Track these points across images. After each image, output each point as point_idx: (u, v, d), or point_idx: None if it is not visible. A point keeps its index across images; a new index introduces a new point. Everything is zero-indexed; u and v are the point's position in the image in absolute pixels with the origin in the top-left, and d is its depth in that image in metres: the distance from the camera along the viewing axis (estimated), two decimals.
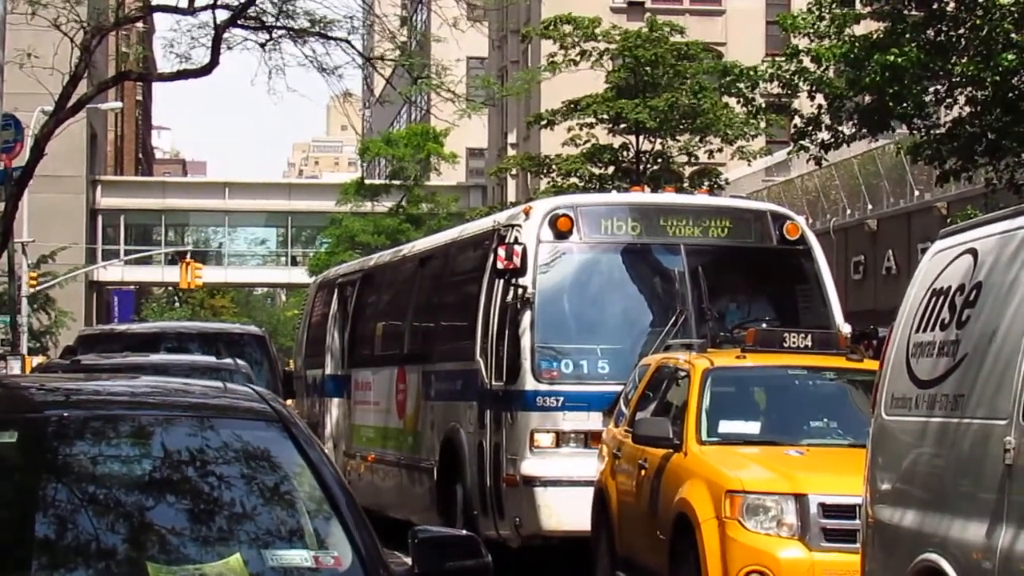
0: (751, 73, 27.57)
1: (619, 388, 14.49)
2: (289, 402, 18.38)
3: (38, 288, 56.92)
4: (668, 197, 17.87)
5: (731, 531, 11.08)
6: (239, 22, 24.51)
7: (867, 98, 24.91)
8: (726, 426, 12.43)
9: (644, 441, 12.56)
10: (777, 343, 13.19)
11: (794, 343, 13.18)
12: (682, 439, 12.21)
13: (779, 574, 10.90)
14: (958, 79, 23.18)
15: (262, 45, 24.71)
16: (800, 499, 11.03)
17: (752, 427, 12.58)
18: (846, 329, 15.23)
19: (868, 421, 13.32)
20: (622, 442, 13.41)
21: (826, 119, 25.61)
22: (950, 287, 8.37)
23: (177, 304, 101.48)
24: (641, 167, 41.94)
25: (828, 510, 11.00)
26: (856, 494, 11.01)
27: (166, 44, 25.08)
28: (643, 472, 12.68)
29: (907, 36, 23.43)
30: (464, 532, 5.60)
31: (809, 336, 13.35)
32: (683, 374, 13.03)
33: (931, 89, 24.19)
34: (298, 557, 5.23)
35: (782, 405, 13.07)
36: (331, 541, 5.30)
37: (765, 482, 11.29)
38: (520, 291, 15.27)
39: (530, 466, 14.99)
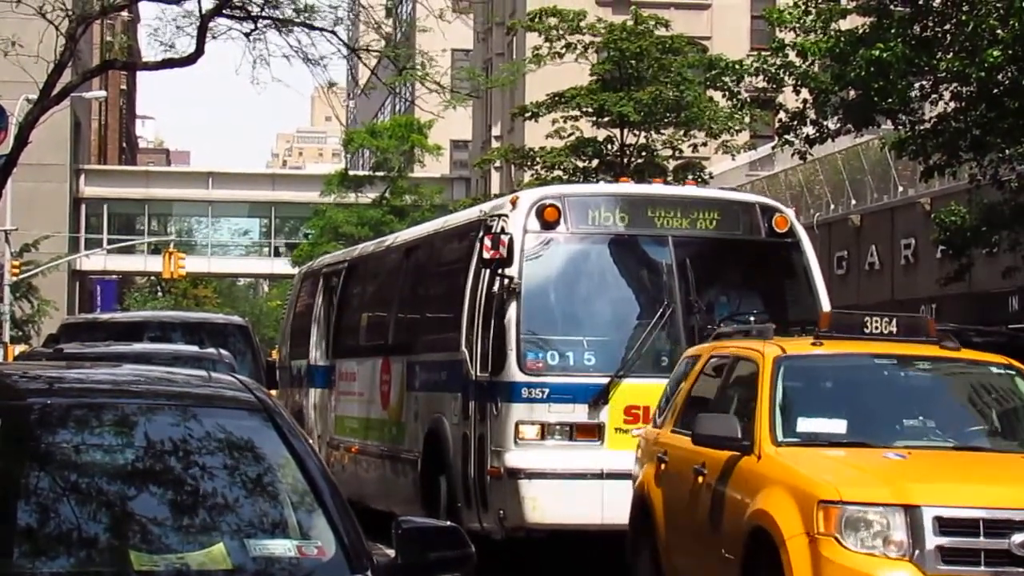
0: (736, 67, 27.52)
1: (605, 380, 14.44)
2: (272, 392, 18.33)
3: (21, 277, 56.75)
4: (656, 188, 17.57)
5: (825, 550, 9.32)
6: (224, 11, 24.48)
7: (852, 93, 24.87)
8: (805, 424, 10.73)
9: (706, 442, 10.88)
10: (857, 328, 11.48)
11: (876, 328, 11.44)
12: (753, 440, 10.52)
13: None
14: (943, 75, 23.15)
15: (247, 35, 24.69)
16: (911, 511, 9.25)
17: (837, 425, 10.77)
18: None
19: (972, 419, 11.43)
20: (669, 444, 12.02)
21: (811, 114, 25.58)
22: None
23: (160, 294, 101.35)
24: (625, 160, 41.94)
25: (945, 525, 9.23)
26: (980, 506, 9.33)
27: (151, 32, 25.09)
28: (701, 479, 11.10)
29: (892, 31, 23.39)
30: (448, 523, 5.58)
31: (894, 321, 11.62)
32: (748, 364, 11.41)
33: (916, 84, 24.15)
34: (281, 547, 5.21)
35: (869, 400, 11.24)
36: (314, 531, 5.29)
37: (867, 491, 9.49)
38: (506, 281, 15.19)
39: (515, 458, 14.92)
